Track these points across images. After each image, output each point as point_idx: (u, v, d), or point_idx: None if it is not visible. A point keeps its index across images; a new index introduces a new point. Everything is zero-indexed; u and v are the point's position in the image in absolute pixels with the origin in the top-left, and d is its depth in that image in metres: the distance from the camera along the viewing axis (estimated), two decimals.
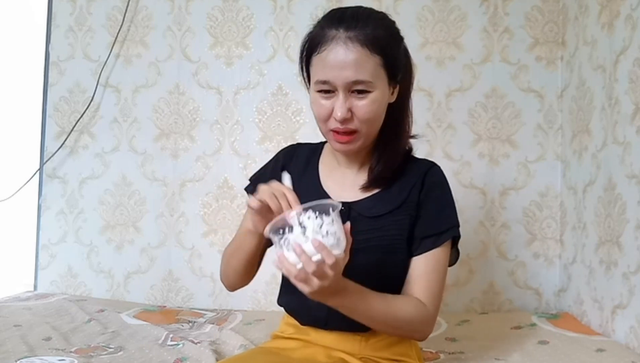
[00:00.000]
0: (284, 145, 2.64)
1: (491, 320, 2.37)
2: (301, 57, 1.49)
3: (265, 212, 1.32)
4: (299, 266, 1.20)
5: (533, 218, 2.59)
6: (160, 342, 2.03)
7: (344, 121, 1.40)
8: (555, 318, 2.33)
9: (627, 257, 1.95)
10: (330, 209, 1.22)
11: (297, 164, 1.63)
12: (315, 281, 1.21)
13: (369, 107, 1.40)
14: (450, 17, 2.65)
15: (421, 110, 2.62)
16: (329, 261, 1.18)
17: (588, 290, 2.25)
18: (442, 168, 1.57)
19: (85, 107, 2.83)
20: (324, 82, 1.40)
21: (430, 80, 2.64)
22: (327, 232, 1.20)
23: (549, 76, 2.61)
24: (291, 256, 1.21)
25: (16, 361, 1.72)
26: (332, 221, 1.22)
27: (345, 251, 1.24)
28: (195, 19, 2.81)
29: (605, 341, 1.99)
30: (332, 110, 1.41)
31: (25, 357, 1.76)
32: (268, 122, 2.74)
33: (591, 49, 2.29)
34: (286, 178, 1.36)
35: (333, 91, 1.40)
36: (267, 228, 1.25)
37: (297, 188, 1.33)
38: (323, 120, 1.44)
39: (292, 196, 1.28)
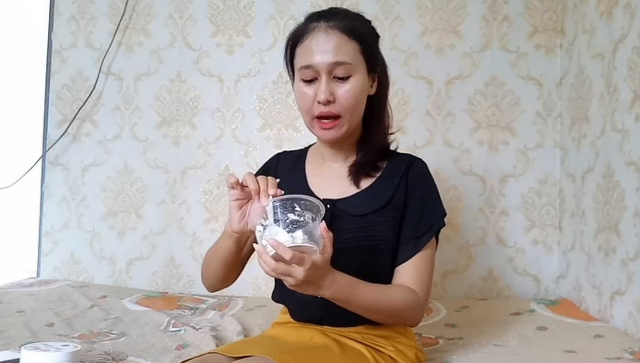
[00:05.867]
0: (285, 133, 2.70)
1: (490, 306, 2.39)
2: (286, 53, 1.57)
3: (244, 208, 1.40)
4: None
5: (532, 205, 2.60)
6: (162, 327, 2.05)
7: (327, 103, 1.46)
8: (554, 304, 2.34)
9: (625, 244, 1.96)
10: (296, 206, 1.24)
11: (284, 168, 1.67)
12: (289, 279, 1.25)
13: (351, 92, 1.47)
14: (450, 5, 2.65)
15: (421, 98, 2.63)
16: (286, 256, 1.20)
17: (587, 277, 2.27)
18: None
19: (88, 95, 2.84)
20: (307, 67, 1.47)
21: (430, 68, 2.65)
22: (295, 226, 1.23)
23: (548, 64, 2.61)
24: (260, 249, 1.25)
25: (20, 346, 1.74)
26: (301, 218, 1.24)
27: (321, 248, 1.25)
28: (197, 7, 2.81)
29: (603, 327, 2.01)
30: (315, 96, 1.47)
31: (29, 342, 1.78)
32: (269, 110, 2.75)
33: (590, 37, 2.29)
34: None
35: (316, 78, 1.47)
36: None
37: (285, 188, 1.36)
38: (307, 108, 1.50)
39: (272, 181, 1.35)
